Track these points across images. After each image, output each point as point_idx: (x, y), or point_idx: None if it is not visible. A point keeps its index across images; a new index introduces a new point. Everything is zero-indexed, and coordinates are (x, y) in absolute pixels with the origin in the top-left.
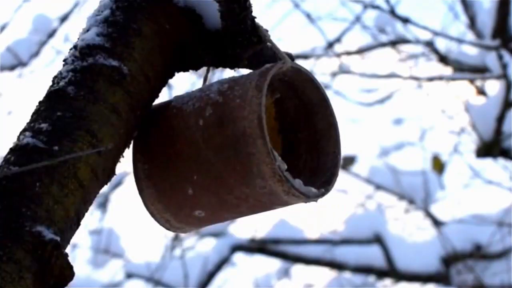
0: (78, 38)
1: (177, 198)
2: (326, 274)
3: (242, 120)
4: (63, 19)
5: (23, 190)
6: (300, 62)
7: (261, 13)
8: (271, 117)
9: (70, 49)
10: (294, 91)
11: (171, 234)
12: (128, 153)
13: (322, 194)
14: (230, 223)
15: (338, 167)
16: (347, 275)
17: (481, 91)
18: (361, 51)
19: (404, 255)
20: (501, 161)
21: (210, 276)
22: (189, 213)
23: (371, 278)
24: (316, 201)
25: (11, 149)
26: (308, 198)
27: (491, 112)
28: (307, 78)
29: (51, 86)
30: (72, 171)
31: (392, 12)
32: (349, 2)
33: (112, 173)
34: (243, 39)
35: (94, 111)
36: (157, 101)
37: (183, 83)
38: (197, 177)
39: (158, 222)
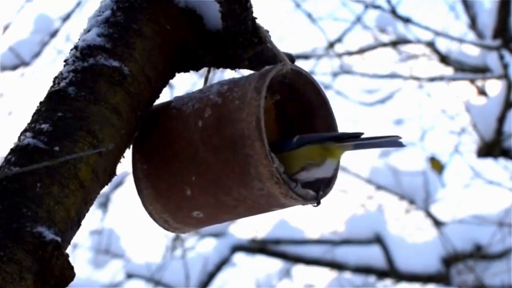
0: (79, 39)
1: (175, 199)
2: (327, 274)
3: (240, 122)
4: (65, 19)
5: (24, 191)
6: (301, 62)
7: (262, 13)
8: (271, 119)
9: (71, 50)
10: (294, 94)
11: (171, 234)
12: (128, 153)
13: (320, 197)
14: (231, 224)
15: (337, 170)
16: (347, 275)
17: (482, 91)
18: (362, 51)
19: (404, 256)
20: (502, 161)
21: (211, 276)
22: (187, 214)
23: (371, 279)
24: (314, 203)
25: (12, 149)
26: (306, 200)
27: (492, 112)
28: (308, 81)
29: (52, 86)
30: (73, 171)
31: (393, 12)
32: (350, 2)
33: (113, 173)
34: (243, 39)
35: (95, 112)
36: (157, 102)
37: (184, 83)
38: (195, 178)
39: (157, 222)
